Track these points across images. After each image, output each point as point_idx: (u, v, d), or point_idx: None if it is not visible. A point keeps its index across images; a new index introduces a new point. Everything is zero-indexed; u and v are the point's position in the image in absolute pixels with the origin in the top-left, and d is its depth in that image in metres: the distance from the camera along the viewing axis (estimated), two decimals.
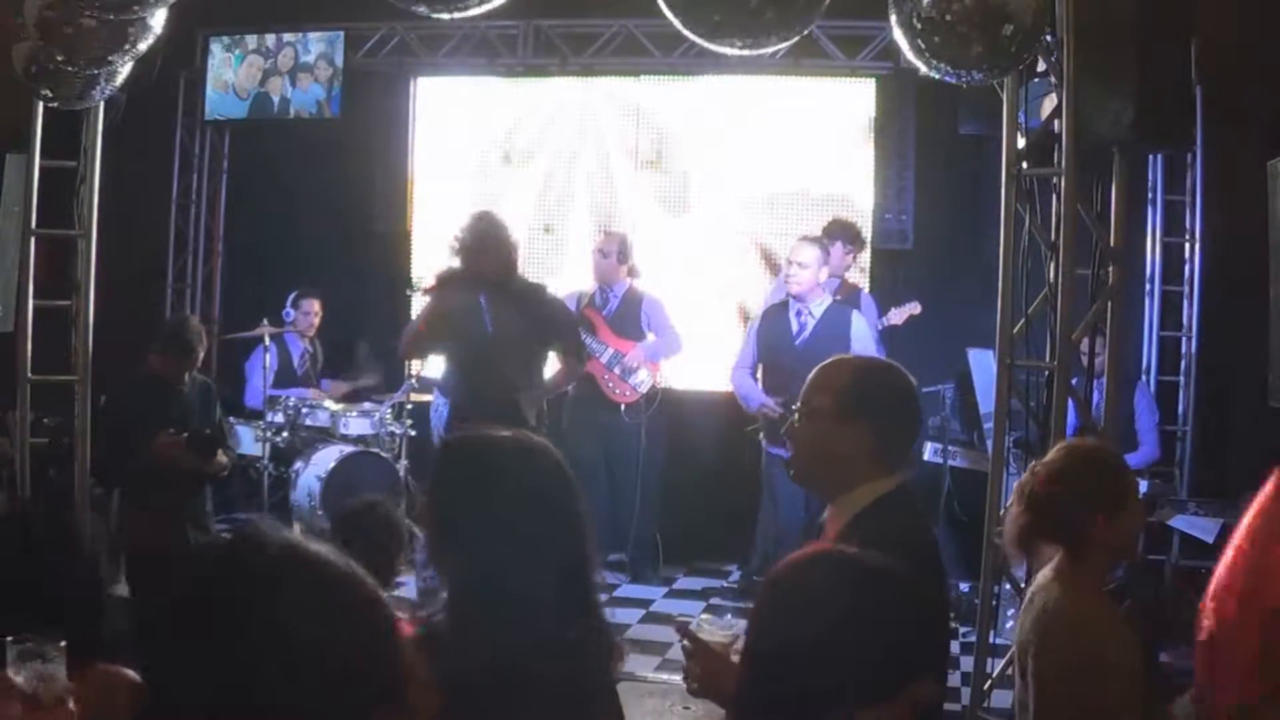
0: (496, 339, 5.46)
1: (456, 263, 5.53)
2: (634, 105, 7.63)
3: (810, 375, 2.46)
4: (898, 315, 6.52)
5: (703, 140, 7.55)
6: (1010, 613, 5.21)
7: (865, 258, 7.12)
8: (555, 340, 5.71)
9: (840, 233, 6.61)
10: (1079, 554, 2.54)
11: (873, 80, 7.28)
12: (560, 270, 7.49)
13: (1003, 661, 4.54)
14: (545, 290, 5.90)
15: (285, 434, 6.88)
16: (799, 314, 6.11)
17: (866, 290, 6.91)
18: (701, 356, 7.30)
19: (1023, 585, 4.68)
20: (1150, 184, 6.94)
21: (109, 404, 5.55)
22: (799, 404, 2.43)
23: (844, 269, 6.64)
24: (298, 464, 6.79)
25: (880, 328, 6.35)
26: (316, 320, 7.46)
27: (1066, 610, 2.48)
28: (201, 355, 5.69)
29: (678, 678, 5.33)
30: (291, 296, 7.39)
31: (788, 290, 6.09)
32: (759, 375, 6.34)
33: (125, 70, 5.12)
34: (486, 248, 5.47)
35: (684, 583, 6.84)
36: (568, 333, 5.86)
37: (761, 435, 6.19)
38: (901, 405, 2.44)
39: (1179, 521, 5.50)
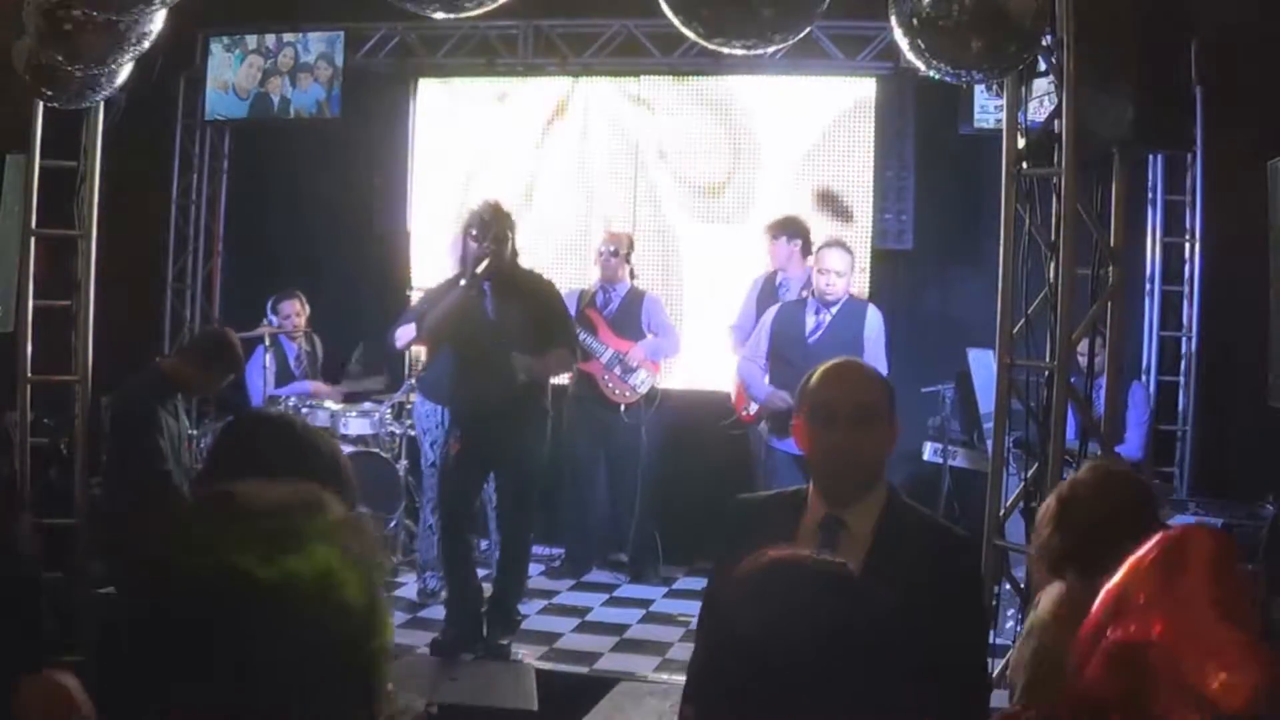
0: (498, 327, 5.45)
1: (481, 258, 5.46)
2: (634, 105, 7.63)
3: (853, 377, 2.55)
4: None
5: (702, 140, 7.55)
6: (1010, 612, 5.20)
7: (865, 258, 7.11)
8: (552, 328, 5.68)
9: (791, 228, 6.58)
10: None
11: (873, 80, 7.28)
12: (559, 269, 7.47)
13: (1002, 662, 4.53)
14: (544, 278, 5.87)
15: None
16: (817, 310, 6.06)
17: (863, 292, 6.90)
18: (701, 357, 7.29)
19: (1022, 586, 4.69)
20: (1150, 184, 6.94)
21: (119, 413, 5.30)
22: (856, 404, 2.47)
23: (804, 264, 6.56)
24: None
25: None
26: (300, 320, 7.29)
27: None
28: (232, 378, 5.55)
29: (679, 678, 5.32)
30: (270, 302, 7.24)
31: (825, 297, 6.00)
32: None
33: (125, 70, 5.12)
34: (504, 240, 5.47)
35: (684, 583, 6.83)
36: (563, 323, 5.85)
37: (766, 429, 6.16)
38: None
39: (1179, 521, 5.49)
